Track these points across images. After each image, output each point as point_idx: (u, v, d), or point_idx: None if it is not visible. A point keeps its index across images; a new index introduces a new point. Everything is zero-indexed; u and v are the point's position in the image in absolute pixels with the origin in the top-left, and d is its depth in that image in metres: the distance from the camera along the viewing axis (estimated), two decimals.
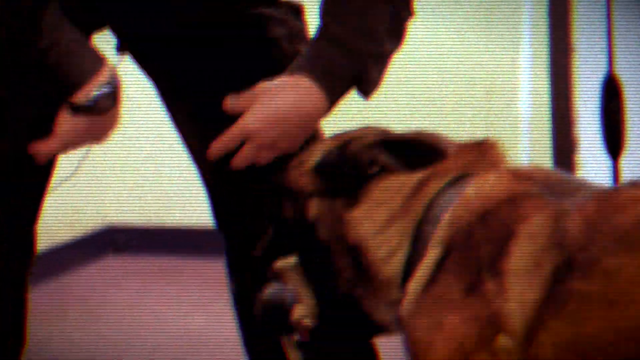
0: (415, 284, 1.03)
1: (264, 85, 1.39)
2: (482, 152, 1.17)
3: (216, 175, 1.59)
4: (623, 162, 2.26)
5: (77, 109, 1.26)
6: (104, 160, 4.28)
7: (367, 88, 1.44)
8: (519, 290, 0.97)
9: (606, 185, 1.43)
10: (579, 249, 0.94)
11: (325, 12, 1.48)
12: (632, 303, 0.87)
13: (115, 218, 4.92)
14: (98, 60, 1.31)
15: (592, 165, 2.46)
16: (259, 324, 1.29)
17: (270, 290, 1.22)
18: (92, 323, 3.40)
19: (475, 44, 2.95)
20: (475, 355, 1.00)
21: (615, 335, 0.90)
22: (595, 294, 0.90)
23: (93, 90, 1.26)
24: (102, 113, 1.30)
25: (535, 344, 0.95)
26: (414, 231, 1.10)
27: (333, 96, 1.42)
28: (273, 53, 1.55)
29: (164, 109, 1.63)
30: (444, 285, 1.05)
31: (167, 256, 4.33)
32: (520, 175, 1.06)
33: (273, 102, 1.43)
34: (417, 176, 1.08)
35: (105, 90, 1.29)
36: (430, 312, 1.05)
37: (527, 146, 2.71)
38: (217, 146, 1.34)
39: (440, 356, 1.01)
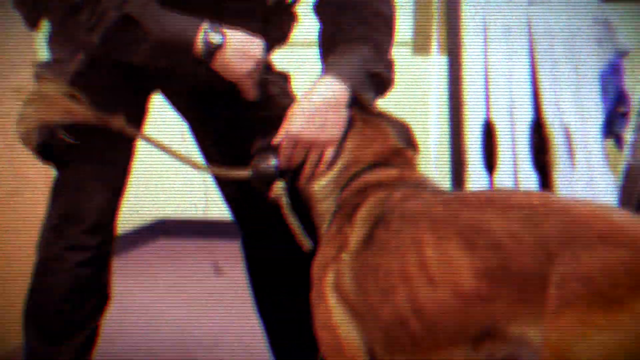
0: (325, 223, 1.65)
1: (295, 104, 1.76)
2: (401, 155, 1.71)
3: (235, 187, 2.07)
4: (497, 176, 3.06)
5: None
6: (157, 164, 5.31)
7: (380, 86, 1.84)
8: (356, 231, 1.51)
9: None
10: (388, 213, 1.48)
11: (332, 29, 1.95)
12: (403, 248, 1.39)
13: (167, 210, 5.62)
14: None
15: (476, 178, 3.08)
16: (252, 179, 1.75)
17: (265, 165, 1.70)
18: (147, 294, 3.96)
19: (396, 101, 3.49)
20: (330, 265, 1.56)
21: (382, 276, 1.45)
22: (386, 239, 1.43)
23: None
24: None
25: (359, 259, 1.47)
26: (339, 192, 1.66)
27: (353, 85, 1.71)
28: (271, 105, 1.90)
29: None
30: (332, 226, 1.62)
31: (207, 242, 4.91)
32: (399, 175, 1.63)
33: (302, 102, 1.71)
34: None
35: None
36: (324, 242, 1.63)
37: (434, 166, 3.39)
38: (306, 172, 1.73)
39: (318, 264, 1.59)
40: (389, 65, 1.93)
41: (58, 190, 1.93)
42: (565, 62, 3.26)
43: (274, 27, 2.09)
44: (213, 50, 1.78)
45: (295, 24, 2.19)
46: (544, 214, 1.28)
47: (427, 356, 1.47)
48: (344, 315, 1.58)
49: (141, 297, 3.95)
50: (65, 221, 1.93)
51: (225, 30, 1.80)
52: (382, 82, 1.86)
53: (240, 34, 1.82)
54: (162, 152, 1.99)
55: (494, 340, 1.34)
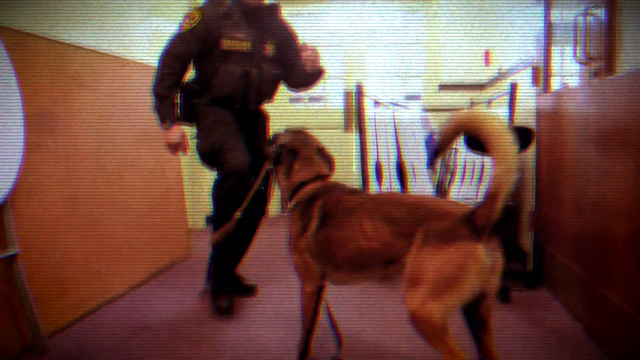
0: (287, 202, 2.91)
1: None
2: (324, 174, 2.90)
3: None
4: (383, 186, 4.91)
5: None
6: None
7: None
8: (314, 221, 2.64)
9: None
10: (331, 209, 2.60)
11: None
12: (351, 225, 2.47)
13: None
14: None
15: (373, 185, 4.77)
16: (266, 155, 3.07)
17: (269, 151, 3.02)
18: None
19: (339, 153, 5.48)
20: (300, 237, 2.72)
21: (339, 239, 2.53)
22: (333, 224, 2.55)
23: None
24: None
25: (318, 234, 2.60)
26: (291, 192, 2.87)
27: None
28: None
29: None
30: (294, 213, 2.79)
31: None
32: (332, 184, 2.80)
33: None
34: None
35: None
36: (292, 222, 2.80)
37: (355, 179, 5.04)
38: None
39: (292, 234, 2.77)
40: None
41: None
42: (411, 135, 5.36)
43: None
44: (164, 129, 3.57)
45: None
46: (416, 206, 2.30)
47: (358, 271, 2.55)
48: (309, 257, 2.69)
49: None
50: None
51: (167, 125, 3.57)
52: None
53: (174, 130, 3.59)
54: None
55: (393, 264, 2.39)
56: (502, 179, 2.06)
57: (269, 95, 4.02)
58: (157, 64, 3.68)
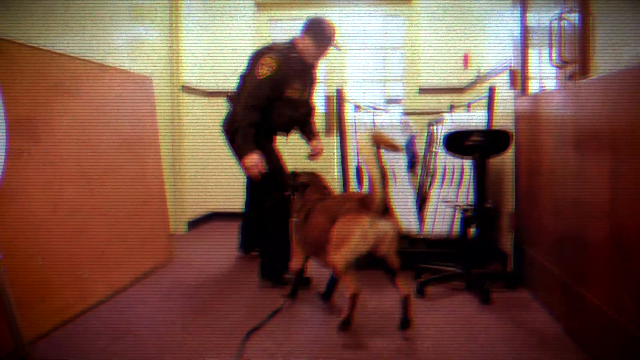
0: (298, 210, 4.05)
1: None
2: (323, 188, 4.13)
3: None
4: (364, 188, 5.19)
5: None
6: (209, 172, 7.11)
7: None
8: (302, 214, 3.91)
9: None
10: (312, 205, 3.85)
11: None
12: (318, 216, 3.68)
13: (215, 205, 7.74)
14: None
15: (354, 187, 5.07)
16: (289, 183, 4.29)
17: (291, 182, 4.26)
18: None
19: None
20: (296, 227, 4.02)
21: (319, 225, 3.64)
22: (314, 217, 3.74)
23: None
24: None
25: (303, 225, 3.86)
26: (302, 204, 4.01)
27: None
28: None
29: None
30: (297, 212, 4.07)
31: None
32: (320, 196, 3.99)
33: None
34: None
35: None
36: (294, 216, 4.10)
37: (337, 182, 5.27)
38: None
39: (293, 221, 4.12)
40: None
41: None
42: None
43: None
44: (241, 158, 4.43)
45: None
46: (342, 197, 3.64)
47: (325, 253, 3.49)
48: (298, 239, 3.95)
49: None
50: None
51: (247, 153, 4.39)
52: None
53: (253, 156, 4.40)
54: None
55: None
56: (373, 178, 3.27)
57: (295, 127, 5.03)
58: (239, 100, 4.56)
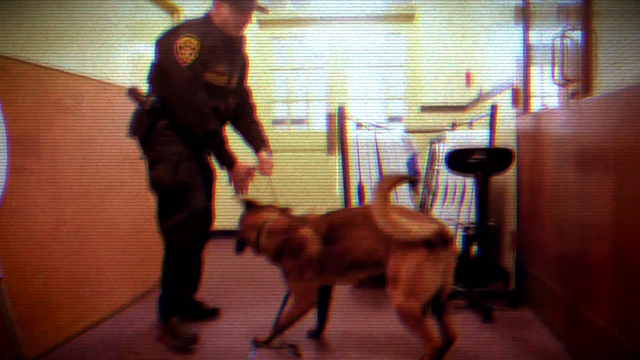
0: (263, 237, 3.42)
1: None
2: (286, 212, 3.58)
3: None
4: (365, 202, 5.44)
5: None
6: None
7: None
8: (314, 244, 3.24)
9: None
10: (331, 231, 3.23)
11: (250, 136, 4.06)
12: (353, 237, 3.14)
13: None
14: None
15: (355, 202, 4.96)
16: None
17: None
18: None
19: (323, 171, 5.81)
20: (306, 265, 3.26)
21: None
22: (338, 237, 3.18)
23: None
24: None
25: (326, 248, 3.21)
26: (259, 229, 3.44)
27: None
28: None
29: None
30: (285, 255, 3.33)
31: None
32: (290, 219, 3.45)
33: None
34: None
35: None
36: (286, 260, 3.34)
37: (339, 199, 5.26)
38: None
39: (293, 268, 3.31)
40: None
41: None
42: (392, 156, 5.43)
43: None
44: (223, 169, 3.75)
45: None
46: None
47: (354, 273, 3.17)
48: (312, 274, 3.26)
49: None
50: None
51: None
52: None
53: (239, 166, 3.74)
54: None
55: (379, 265, 2.99)
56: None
57: (227, 123, 4.07)
58: (170, 99, 3.64)
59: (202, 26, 3.67)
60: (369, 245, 3.01)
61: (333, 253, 3.16)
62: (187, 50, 3.53)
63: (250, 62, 4.16)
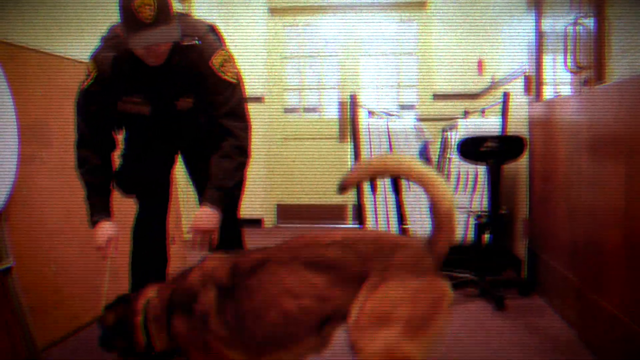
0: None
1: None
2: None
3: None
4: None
5: None
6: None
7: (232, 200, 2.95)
8: (211, 294, 2.07)
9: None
10: (225, 280, 2.05)
11: (211, 177, 2.79)
12: (266, 288, 1.95)
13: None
14: None
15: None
16: None
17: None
18: None
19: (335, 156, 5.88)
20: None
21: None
22: (248, 290, 1.98)
23: None
24: None
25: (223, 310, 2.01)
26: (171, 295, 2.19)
27: (220, 209, 2.78)
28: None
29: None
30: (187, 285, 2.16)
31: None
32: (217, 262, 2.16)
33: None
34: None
35: None
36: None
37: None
38: None
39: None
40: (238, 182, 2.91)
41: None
42: (405, 144, 5.40)
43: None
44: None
45: None
46: (359, 241, 1.94)
47: (289, 354, 2.02)
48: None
49: None
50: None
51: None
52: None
53: None
54: None
55: (332, 321, 1.95)
56: (445, 211, 1.93)
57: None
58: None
59: (110, 46, 2.87)
60: (315, 293, 1.94)
61: (244, 309, 2.03)
62: (86, 72, 2.85)
63: (236, 61, 3.02)
